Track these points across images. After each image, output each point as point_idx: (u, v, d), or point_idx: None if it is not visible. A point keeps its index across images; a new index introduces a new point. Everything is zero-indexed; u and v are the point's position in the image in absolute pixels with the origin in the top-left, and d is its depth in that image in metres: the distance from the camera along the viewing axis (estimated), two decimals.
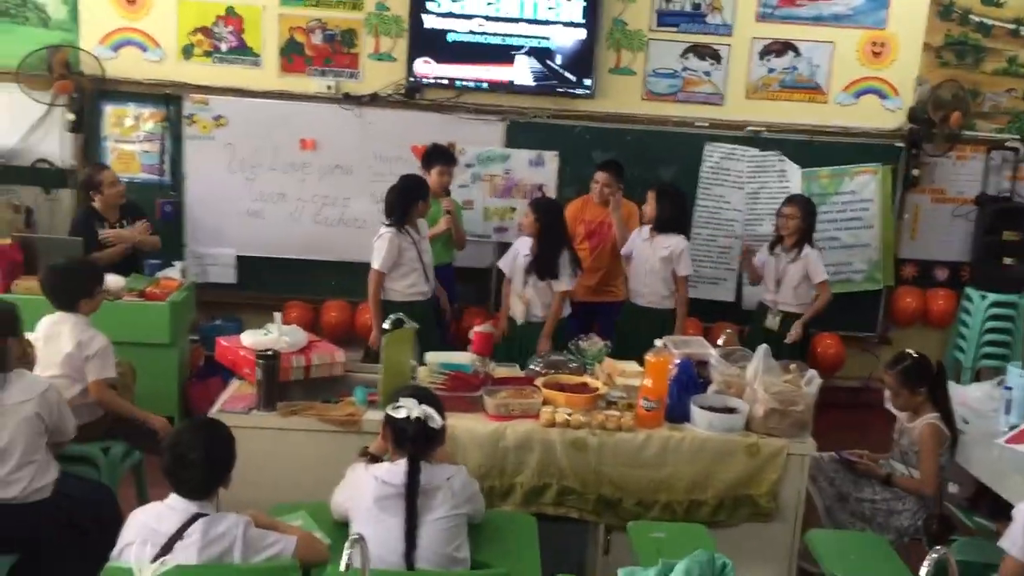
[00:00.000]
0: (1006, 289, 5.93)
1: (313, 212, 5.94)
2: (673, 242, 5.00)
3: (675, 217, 5.06)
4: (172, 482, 2.53)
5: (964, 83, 5.98)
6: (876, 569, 2.89)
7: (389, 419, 2.86)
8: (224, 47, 5.85)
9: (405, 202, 4.75)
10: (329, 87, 5.87)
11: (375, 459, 2.98)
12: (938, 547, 2.52)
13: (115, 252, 5.04)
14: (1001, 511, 3.41)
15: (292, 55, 5.87)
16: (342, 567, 2.00)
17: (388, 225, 4.74)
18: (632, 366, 4.02)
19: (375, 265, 4.71)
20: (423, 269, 4.81)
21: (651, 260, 5.04)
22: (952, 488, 3.99)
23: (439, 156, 5.32)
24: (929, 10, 5.92)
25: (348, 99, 5.87)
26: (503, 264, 5.05)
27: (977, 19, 5.92)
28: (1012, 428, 3.90)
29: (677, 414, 3.67)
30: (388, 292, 4.78)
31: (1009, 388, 4.04)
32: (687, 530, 3.14)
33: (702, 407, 3.64)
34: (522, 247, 4.93)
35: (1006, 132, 6.08)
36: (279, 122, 5.84)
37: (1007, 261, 5.92)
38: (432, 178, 5.17)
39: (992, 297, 5.93)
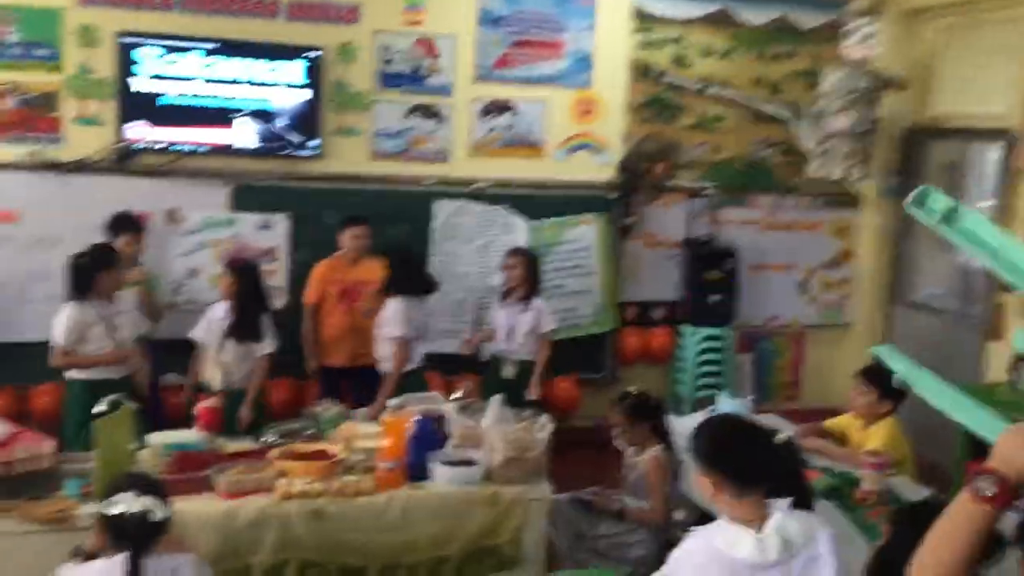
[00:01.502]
0: (713, 323, 6.48)
1: (17, 289, 5.43)
2: (387, 305, 5.05)
3: (404, 280, 5.08)
4: None
5: (664, 137, 6.53)
6: None
7: (103, 516, 2.64)
8: None
9: (85, 274, 4.48)
10: (29, 154, 5.43)
11: (90, 557, 2.73)
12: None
13: None
14: None
15: None
16: None
17: (70, 299, 4.46)
18: (371, 428, 3.98)
19: (55, 343, 4.43)
20: (115, 346, 4.53)
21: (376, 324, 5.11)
22: (679, 515, 4.24)
23: (123, 224, 5.12)
24: (628, 72, 6.43)
25: (51, 166, 5.45)
26: (197, 333, 4.84)
27: (669, 80, 6.50)
28: None
29: (418, 472, 3.67)
30: (74, 370, 4.50)
31: None
32: None
33: (441, 462, 3.67)
34: (217, 312, 4.80)
35: (703, 180, 6.69)
36: None
37: (712, 298, 6.48)
38: (119, 247, 4.89)
39: (703, 331, 6.45)
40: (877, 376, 4.17)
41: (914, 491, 3.84)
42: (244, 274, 4.80)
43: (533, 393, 5.25)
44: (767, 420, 4.65)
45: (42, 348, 5.42)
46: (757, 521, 2.50)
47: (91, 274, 4.47)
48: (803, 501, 2.84)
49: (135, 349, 4.64)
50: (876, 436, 4.12)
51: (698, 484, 2.63)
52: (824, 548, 2.51)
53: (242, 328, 4.68)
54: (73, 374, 4.52)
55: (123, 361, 4.52)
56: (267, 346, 4.73)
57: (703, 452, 2.59)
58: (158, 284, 5.50)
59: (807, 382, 7.11)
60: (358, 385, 5.26)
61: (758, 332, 6.97)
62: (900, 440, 4.16)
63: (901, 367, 1.69)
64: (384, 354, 5.05)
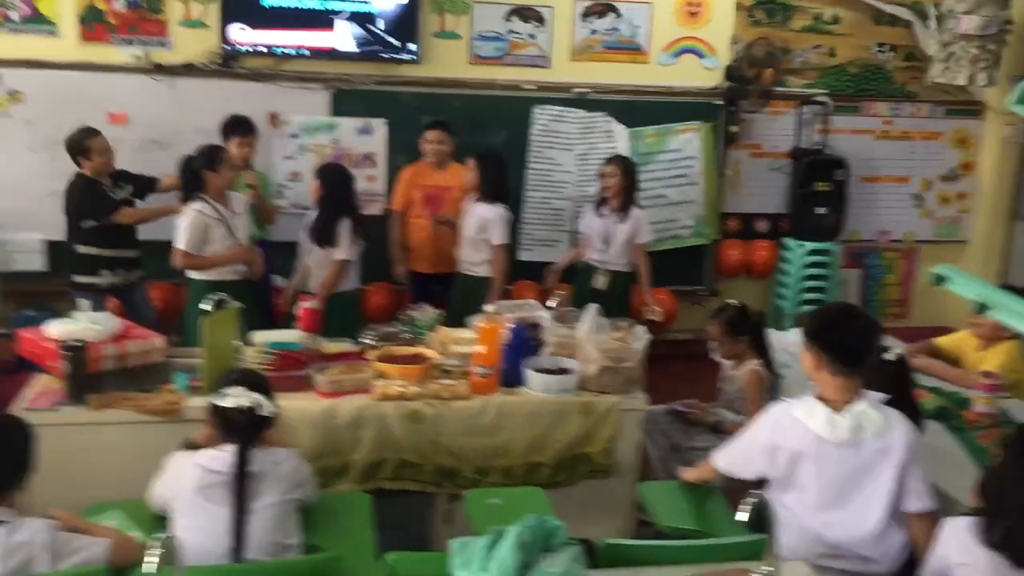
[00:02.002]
0: (821, 237, 6.25)
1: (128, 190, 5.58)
2: (485, 210, 4.96)
3: (497, 185, 5.02)
4: None
5: (775, 41, 6.21)
6: (704, 514, 2.99)
7: (216, 408, 2.73)
8: (16, 16, 5.40)
9: (191, 174, 4.52)
10: (137, 57, 5.52)
11: (199, 447, 2.83)
12: (754, 491, 2.63)
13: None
14: None
15: (93, 23, 5.48)
16: (152, 566, 1.88)
17: (183, 200, 4.54)
18: (466, 333, 3.99)
19: (178, 244, 4.43)
20: (237, 246, 4.60)
21: (468, 228, 5.03)
22: None
23: (236, 127, 5.08)
24: None
25: (159, 69, 5.54)
26: (302, 238, 4.91)
27: None
28: None
29: (512, 379, 3.67)
30: (195, 271, 4.57)
31: None
32: (524, 494, 3.14)
33: (536, 370, 3.66)
34: (312, 215, 4.84)
35: (815, 87, 6.37)
36: (83, 95, 5.44)
37: (820, 211, 6.23)
38: (231, 150, 4.90)
39: (809, 245, 6.23)
40: None
41: None
42: (329, 179, 4.78)
43: (652, 312, 5.17)
44: None
45: (153, 246, 5.61)
46: (844, 404, 2.63)
47: (196, 174, 4.52)
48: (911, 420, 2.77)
49: (250, 249, 4.70)
50: (994, 357, 3.93)
51: (803, 358, 2.74)
52: (899, 443, 2.61)
53: (320, 232, 4.69)
54: (194, 275, 4.59)
55: (239, 260, 4.57)
56: (341, 252, 4.69)
57: (811, 325, 2.73)
58: (271, 186, 5.58)
59: (917, 301, 6.84)
60: (444, 292, 5.26)
61: (867, 247, 6.70)
62: (1020, 363, 3.96)
63: (970, 289, 1.57)
64: (475, 259, 5.02)
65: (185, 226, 4.42)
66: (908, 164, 6.59)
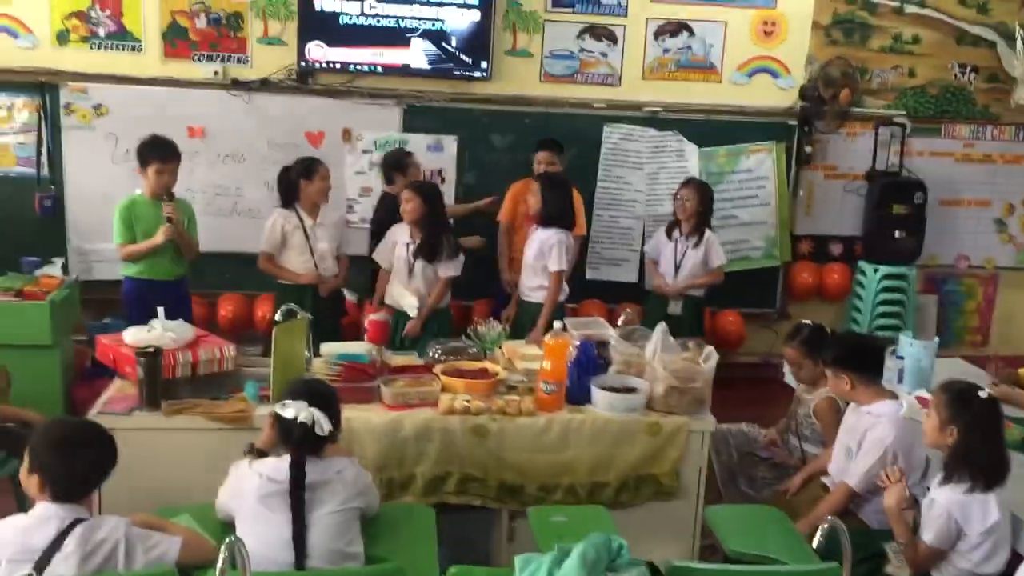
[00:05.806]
0: (897, 261, 6.08)
1: (204, 202, 5.69)
2: (545, 235, 4.83)
3: (559, 209, 4.88)
4: (48, 483, 2.36)
5: (852, 60, 6.09)
6: (774, 540, 2.91)
7: (277, 416, 2.76)
8: (102, 32, 5.59)
9: (286, 181, 4.80)
10: (216, 73, 5.66)
11: (262, 454, 2.86)
12: (830, 516, 2.55)
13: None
14: None
15: (176, 40, 5.64)
16: (217, 572, 1.90)
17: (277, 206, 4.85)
18: (532, 350, 3.97)
19: (260, 246, 4.81)
20: (311, 253, 4.78)
21: (528, 253, 4.93)
22: None
23: (153, 150, 4.50)
24: None
25: (237, 85, 5.68)
26: (380, 256, 4.90)
27: None
28: None
29: (578, 396, 3.63)
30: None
31: (901, 357, 4.12)
32: (588, 512, 3.10)
33: (602, 388, 3.61)
34: (400, 236, 4.78)
35: (893, 108, 6.23)
36: (164, 110, 5.59)
37: (897, 234, 6.07)
38: (149, 178, 4.51)
39: (884, 269, 6.07)
40: None
41: None
42: (430, 196, 4.73)
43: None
44: (951, 366, 4.39)
45: (225, 258, 5.72)
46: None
47: (291, 182, 4.76)
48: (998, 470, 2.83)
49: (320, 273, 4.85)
50: None
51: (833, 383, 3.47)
52: None
53: (431, 250, 4.68)
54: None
55: (311, 280, 4.79)
56: (451, 268, 4.74)
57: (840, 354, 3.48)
58: (194, 218, 4.87)
59: (998, 328, 6.62)
60: None
61: (946, 272, 6.51)
62: None
63: None
64: (533, 284, 4.88)
65: (265, 227, 4.79)
66: (990, 188, 6.40)
